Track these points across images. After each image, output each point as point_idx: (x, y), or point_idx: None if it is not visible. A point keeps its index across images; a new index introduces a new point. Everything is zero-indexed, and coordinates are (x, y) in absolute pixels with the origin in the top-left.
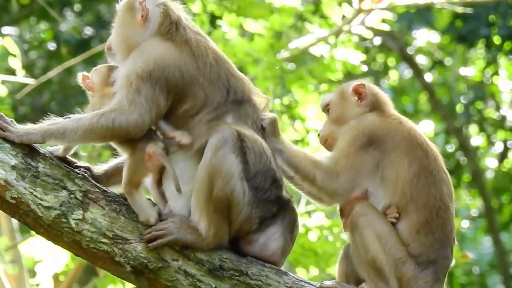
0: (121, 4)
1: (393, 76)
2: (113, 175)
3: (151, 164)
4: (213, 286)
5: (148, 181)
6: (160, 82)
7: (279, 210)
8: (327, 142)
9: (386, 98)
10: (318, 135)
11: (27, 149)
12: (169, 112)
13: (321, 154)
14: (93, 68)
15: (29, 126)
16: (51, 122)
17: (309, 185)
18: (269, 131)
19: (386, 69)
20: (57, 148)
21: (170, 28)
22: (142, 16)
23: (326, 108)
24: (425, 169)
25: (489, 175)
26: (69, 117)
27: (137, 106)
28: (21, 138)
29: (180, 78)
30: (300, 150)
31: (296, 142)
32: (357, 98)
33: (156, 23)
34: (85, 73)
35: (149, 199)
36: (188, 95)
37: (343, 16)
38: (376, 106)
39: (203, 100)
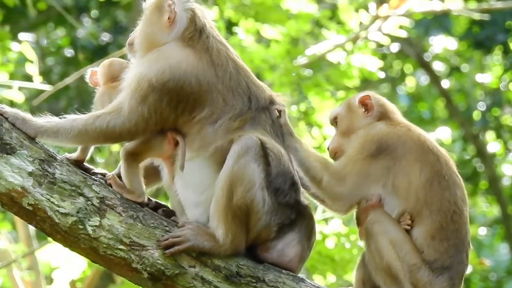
0: (149, 2)
1: (410, 83)
2: None
3: (168, 148)
4: None
5: (169, 188)
6: (171, 94)
7: (297, 216)
8: (337, 155)
9: (393, 107)
10: (328, 148)
11: (44, 156)
12: (186, 118)
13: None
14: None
15: (28, 116)
16: (48, 119)
17: (315, 187)
18: (285, 130)
19: (403, 75)
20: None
21: (194, 35)
22: (169, 18)
23: (334, 121)
24: (438, 174)
25: (506, 182)
26: (65, 117)
27: (137, 114)
28: (15, 121)
29: (197, 86)
30: (314, 152)
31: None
32: (364, 110)
33: (182, 28)
34: (94, 68)
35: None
36: (206, 102)
37: (360, 23)
38: (383, 116)
39: (222, 106)
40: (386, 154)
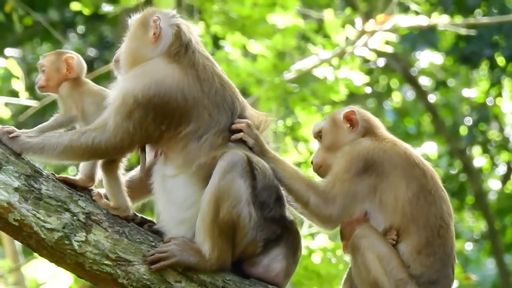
0: (134, 19)
1: (396, 98)
2: None
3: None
4: None
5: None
6: (156, 109)
7: (283, 231)
8: (321, 169)
9: (377, 122)
10: (312, 162)
11: (30, 171)
12: (171, 134)
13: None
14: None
15: (15, 132)
16: (34, 135)
17: (302, 207)
18: (256, 150)
19: (389, 90)
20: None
21: (179, 50)
22: (154, 34)
23: (318, 135)
24: (424, 188)
25: (492, 196)
26: (50, 133)
27: (122, 130)
28: (2, 136)
29: (183, 101)
30: (293, 169)
31: (299, 164)
32: (348, 125)
33: (167, 43)
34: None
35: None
36: (191, 117)
37: (347, 38)
38: (368, 131)
39: (207, 121)
40: (372, 170)
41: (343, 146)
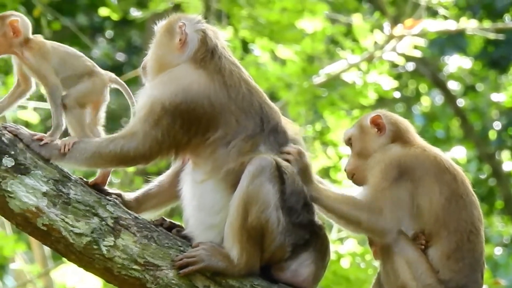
0: (160, 25)
1: (425, 102)
2: (144, 201)
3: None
4: None
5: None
6: (183, 116)
7: (311, 236)
8: (355, 177)
9: (406, 124)
10: (345, 169)
11: (58, 176)
12: (199, 140)
13: (353, 191)
14: None
15: (45, 139)
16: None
17: (355, 229)
18: (302, 179)
19: (418, 95)
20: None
21: (205, 56)
22: (180, 40)
23: (349, 142)
24: (455, 193)
25: None
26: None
27: (150, 138)
28: (30, 142)
29: (209, 107)
30: (336, 194)
31: (328, 168)
32: (376, 130)
33: (193, 49)
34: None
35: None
36: (219, 123)
37: (375, 42)
38: (398, 135)
39: (235, 127)
40: (407, 177)
41: (374, 151)
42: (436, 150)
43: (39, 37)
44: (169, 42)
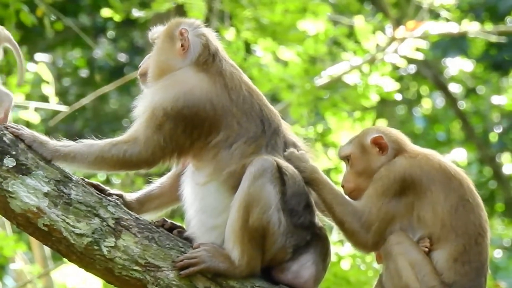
0: (160, 31)
1: (426, 105)
2: (145, 202)
3: None
4: None
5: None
6: (186, 120)
7: (312, 238)
8: (353, 193)
9: (404, 137)
10: (342, 186)
11: (60, 176)
12: (202, 143)
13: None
14: None
15: (44, 138)
16: (64, 143)
17: (339, 230)
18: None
19: (419, 97)
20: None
21: (207, 59)
22: (182, 46)
23: (346, 159)
24: (462, 198)
25: None
26: (81, 142)
27: (153, 143)
28: (32, 143)
29: (212, 111)
30: (333, 190)
31: (329, 170)
32: (377, 149)
33: (196, 54)
34: None
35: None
36: (221, 126)
37: (377, 44)
38: (399, 151)
39: (237, 129)
40: (410, 190)
41: (376, 169)
42: (439, 157)
43: None
44: (170, 47)
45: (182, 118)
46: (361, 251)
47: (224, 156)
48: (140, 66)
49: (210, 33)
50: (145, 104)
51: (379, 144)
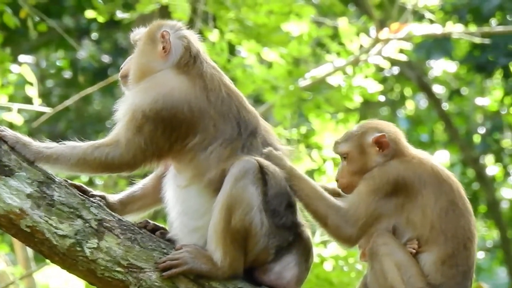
0: (141, 33)
1: (410, 106)
2: (128, 204)
3: None
4: None
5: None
6: (165, 122)
7: (295, 238)
8: (347, 189)
9: (401, 135)
10: (337, 180)
11: (43, 178)
12: (179, 146)
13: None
14: None
15: (27, 139)
16: (48, 145)
17: (320, 226)
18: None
19: (402, 98)
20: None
21: (188, 61)
22: (164, 48)
23: (343, 155)
24: (453, 202)
25: (505, 205)
26: (64, 143)
27: (134, 145)
28: (15, 144)
29: (189, 113)
30: (312, 186)
31: (312, 171)
32: (378, 148)
33: (177, 56)
34: None
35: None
36: (197, 129)
37: (361, 46)
38: (397, 151)
39: (213, 132)
40: (402, 192)
41: (372, 168)
42: (431, 160)
43: None
44: (152, 50)
45: (161, 120)
46: (344, 245)
47: (201, 159)
48: (121, 68)
49: (191, 35)
50: (125, 107)
51: (381, 143)
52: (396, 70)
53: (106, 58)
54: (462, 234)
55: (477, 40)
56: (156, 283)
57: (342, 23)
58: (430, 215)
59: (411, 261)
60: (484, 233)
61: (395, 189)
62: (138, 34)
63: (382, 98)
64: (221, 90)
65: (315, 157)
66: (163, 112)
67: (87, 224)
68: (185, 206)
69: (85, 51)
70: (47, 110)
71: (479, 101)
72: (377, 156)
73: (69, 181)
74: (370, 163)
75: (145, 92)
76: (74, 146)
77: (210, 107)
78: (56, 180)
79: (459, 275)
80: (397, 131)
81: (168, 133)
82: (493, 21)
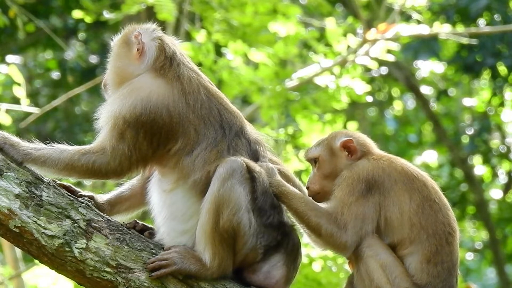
0: (116, 38)
1: (398, 106)
2: (116, 204)
3: None
4: None
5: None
6: (145, 127)
7: (283, 238)
8: (318, 195)
9: (371, 142)
10: (308, 187)
11: (31, 178)
12: (162, 152)
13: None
14: None
15: (16, 140)
16: (36, 146)
17: (315, 237)
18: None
19: (390, 99)
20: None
21: (165, 63)
22: (138, 50)
23: (313, 161)
24: (428, 198)
25: (493, 206)
26: (53, 146)
27: (119, 152)
28: (3, 145)
29: (168, 118)
30: (301, 197)
31: (300, 172)
32: (347, 153)
33: (152, 57)
34: None
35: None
36: (178, 134)
37: (348, 46)
38: (365, 154)
39: (194, 137)
40: (375, 189)
41: (341, 172)
42: (402, 161)
43: None
44: (127, 53)
45: (141, 125)
46: (343, 253)
47: (186, 164)
48: (103, 77)
49: (166, 37)
50: (107, 114)
51: (349, 148)
52: (383, 70)
53: (93, 59)
54: (442, 229)
55: (465, 40)
56: (145, 284)
57: (329, 23)
58: (407, 212)
59: (396, 261)
60: (473, 234)
61: (368, 187)
62: (115, 39)
63: (369, 99)
64: (200, 93)
65: (302, 158)
66: (142, 117)
67: (75, 224)
68: (172, 210)
69: (72, 51)
70: (35, 110)
71: (467, 101)
72: (346, 160)
73: (58, 181)
74: (339, 166)
75: (124, 98)
76: (62, 150)
77: (189, 111)
78: (45, 180)
79: (444, 272)
80: (366, 138)
81: (149, 138)
82: (481, 22)
